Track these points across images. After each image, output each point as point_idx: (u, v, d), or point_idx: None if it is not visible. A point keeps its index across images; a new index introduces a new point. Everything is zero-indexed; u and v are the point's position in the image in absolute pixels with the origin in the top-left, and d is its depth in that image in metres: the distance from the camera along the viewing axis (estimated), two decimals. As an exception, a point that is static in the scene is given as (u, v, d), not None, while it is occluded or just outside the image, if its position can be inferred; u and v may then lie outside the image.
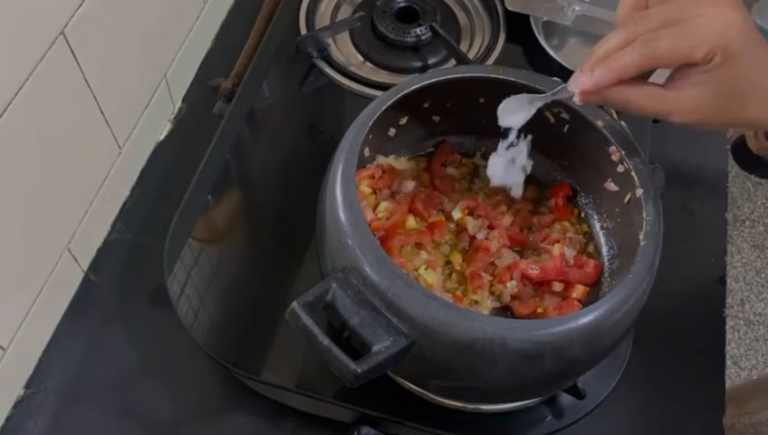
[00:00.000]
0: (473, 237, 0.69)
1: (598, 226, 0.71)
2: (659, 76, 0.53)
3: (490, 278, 0.67)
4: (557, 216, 0.72)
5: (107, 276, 0.76)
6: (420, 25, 0.89)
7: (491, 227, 0.70)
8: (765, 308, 1.77)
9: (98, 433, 0.68)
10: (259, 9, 0.93)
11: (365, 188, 0.68)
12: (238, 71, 0.88)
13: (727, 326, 0.78)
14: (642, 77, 0.53)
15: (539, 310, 0.66)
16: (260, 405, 0.69)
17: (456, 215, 0.70)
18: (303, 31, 0.90)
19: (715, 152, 0.90)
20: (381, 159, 0.71)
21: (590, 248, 0.70)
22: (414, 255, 0.67)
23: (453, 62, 0.88)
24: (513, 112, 0.60)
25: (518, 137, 0.63)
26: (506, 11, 0.92)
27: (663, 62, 0.50)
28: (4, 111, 0.56)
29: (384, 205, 0.68)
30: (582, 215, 0.72)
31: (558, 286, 0.67)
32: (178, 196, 0.74)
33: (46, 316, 0.71)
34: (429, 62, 0.90)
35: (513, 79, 0.65)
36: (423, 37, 0.89)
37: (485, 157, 0.75)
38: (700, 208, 0.84)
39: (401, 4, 0.92)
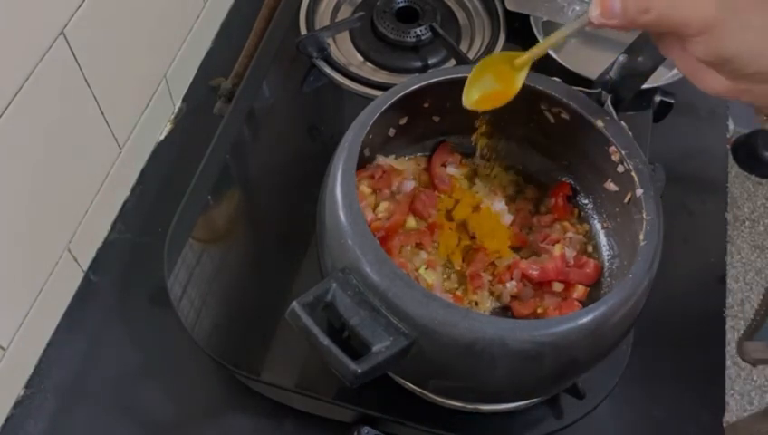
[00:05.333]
0: (473, 237, 0.69)
1: (598, 226, 0.71)
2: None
3: (490, 278, 0.67)
4: (557, 216, 0.72)
5: (107, 276, 0.76)
6: (420, 25, 0.89)
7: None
8: (765, 308, 1.77)
9: (98, 433, 0.68)
10: (259, 9, 0.93)
11: (365, 188, 0.68)
12: (238, 71, 0.88)
13: (727, 326, 0.78)
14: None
15: (539, 310, 0.66)
16: (260, 405, 0.69)
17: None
18: (303, 31, 0.90)
19: (715, 152, 0.90)
20: (381, 159, 0.71)
21: (590, 248, 0.70)
22: (414, 255, 0.67)
23: (453, 62, 0.88)
24: None
25: None
26: (506, 11, 0.92)
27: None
28: (5, 110, 0.56)
29: (384, 205, 0.68)
30: (582, 215, 0.72)
31: (558, 287, 0.67)
32: (178, 196, 0.74)
33: (46, 316, 0.71)
34: (429, 62, 0.90)
35: (513, 79, 0.65)
36: (423, 37, 0.89)
37: (485, 157, 0.75)
38: (700, 208, 0.84)
39: (401, 5, 0.92)
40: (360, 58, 0.91)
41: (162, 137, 0.86)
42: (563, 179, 0.73)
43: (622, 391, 0.68)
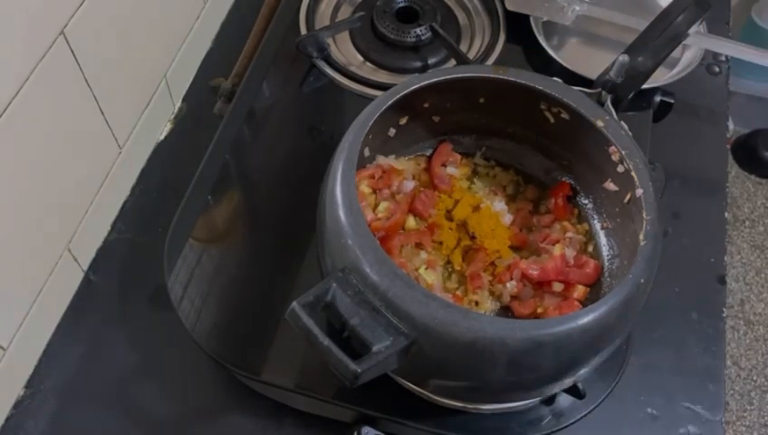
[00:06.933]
0: (473, 237, 0.69)
1: (598, 226, 0.71)
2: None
3: (490, 278, 0.67)
4: (557, 216, 0.72)
5: (107, 276, 0.76)
6: (420, 25, 0.89)
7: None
8: (765, 308, 1.77)
9: (98, 433, 0.68)
10: (259, 9, 0.93)
11: (365, 188, 0.68)
12: (238, 71, 0.88)
13: (727, 326, 0.78)
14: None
15: (539, 310, 0.66)
16: (260, 405, 0.69)
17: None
18: (303, 31, 0.90)
19: (715, 152, 0.90)
20: (381, 159, 0.71)
21: (590, 248, 0.70)
22: (414, 255, 0.67)
23: (453, 62, 0.88)
24: None
25: None
26: (506, 11, 0.92)
27: None
28: (5, 110, 0.56)
29: (384, 205, 0.68)
30: (582, 215, 0.72)
31: (558, 286, 0.66)
32: (178, 196, 0.74)
33: (46, 316, 0.71)
34: (429, 62, 0.90)
35: (513, 79, 0.65)
36: (423, 37, 0.89)
37: (486, 157, 0.75)
38: (700, 208, 0.84)
39: (401, 4, 0.92)
40: (360, 58, 0.91)
41: (162, 137, 0.86)
42: (563, 179, 0.73)
43: (622, 391, 0.68)
